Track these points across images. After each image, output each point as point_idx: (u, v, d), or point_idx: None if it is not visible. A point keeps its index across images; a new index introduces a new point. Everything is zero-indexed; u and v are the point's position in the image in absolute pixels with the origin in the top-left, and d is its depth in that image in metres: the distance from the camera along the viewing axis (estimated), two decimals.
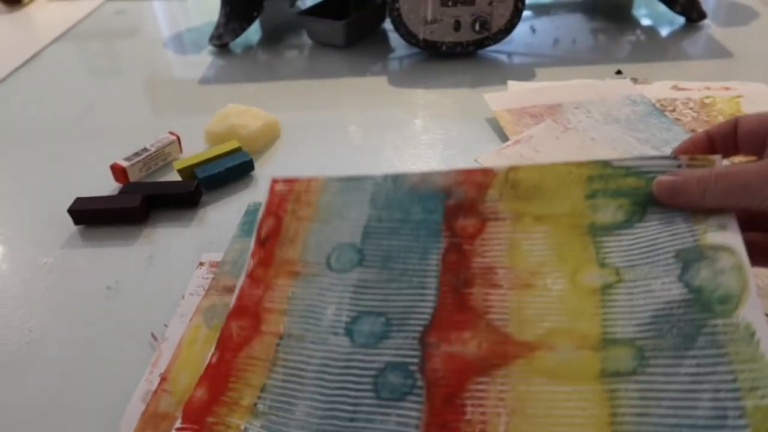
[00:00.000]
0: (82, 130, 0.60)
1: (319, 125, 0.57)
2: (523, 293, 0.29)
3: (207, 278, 0.38)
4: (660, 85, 0.57)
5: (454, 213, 0.33)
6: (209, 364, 0.31)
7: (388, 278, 0.32)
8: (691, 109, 0.52)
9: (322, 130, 0.56)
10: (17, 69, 0.77)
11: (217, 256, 0.40)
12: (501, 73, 0.64)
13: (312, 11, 0.75)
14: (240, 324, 0.32)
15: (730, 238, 0.27)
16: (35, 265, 0.42)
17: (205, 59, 0.74)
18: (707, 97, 0.54)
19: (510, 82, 0.61)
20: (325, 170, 0.49)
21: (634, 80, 0.58)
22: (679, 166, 0.30)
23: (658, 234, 0.29)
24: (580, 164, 0.32)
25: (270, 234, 0.36)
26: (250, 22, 0.74)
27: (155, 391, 0.31)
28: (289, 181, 0.37)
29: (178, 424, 0.28)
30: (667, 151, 0.45)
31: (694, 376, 0.24)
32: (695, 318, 0.25)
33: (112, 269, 0.41)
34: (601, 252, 0.29)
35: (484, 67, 0.66)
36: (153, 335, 0.35)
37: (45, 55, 0.81)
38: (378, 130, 0.55)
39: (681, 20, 0.73)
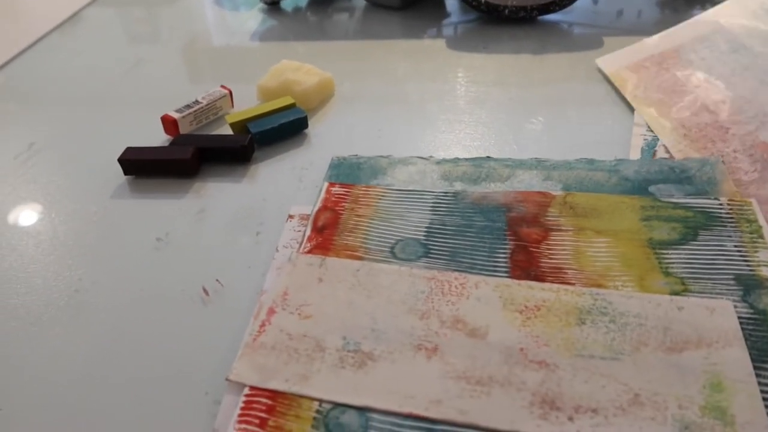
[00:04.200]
0: (131, 85, 0.59)
1: (373, 86, 0.54)
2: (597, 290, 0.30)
3: (299, 231, 0.37)
4: None
5: (517, 222, 0.35)
6: None
7: (457, 270, 0.32)
8: None
9: (377, 91, 0.53)
10: (56, 27, 0.75)
11: (307, 209, 0.38)
12: (564, 42, 0.61)
13: None
14: None
15: None
16: (84, 213, 0.41)
17: (256, 17, 0.72)
18: None
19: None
20: (381, 133, 0.47)
21: None
22: (720, 206, 0.34)
23: (715, 256, 0.31)
24: (631, 197, 0.35)
25: (327, 224, 0.36)
26: None
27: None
28: (346, 186, 0.39)
29: (246, 390, 0.27)
30: None
31: None
32: (765, 336, 0.27)
33: (162, 221, 0.40)
34: (663, 262, 0.31)
35: (547, 34, 0.63)
36: (204, 290, 0.34)
37: (85, 15, 0.80)
38: (436, 94, 0.53)
39: None
